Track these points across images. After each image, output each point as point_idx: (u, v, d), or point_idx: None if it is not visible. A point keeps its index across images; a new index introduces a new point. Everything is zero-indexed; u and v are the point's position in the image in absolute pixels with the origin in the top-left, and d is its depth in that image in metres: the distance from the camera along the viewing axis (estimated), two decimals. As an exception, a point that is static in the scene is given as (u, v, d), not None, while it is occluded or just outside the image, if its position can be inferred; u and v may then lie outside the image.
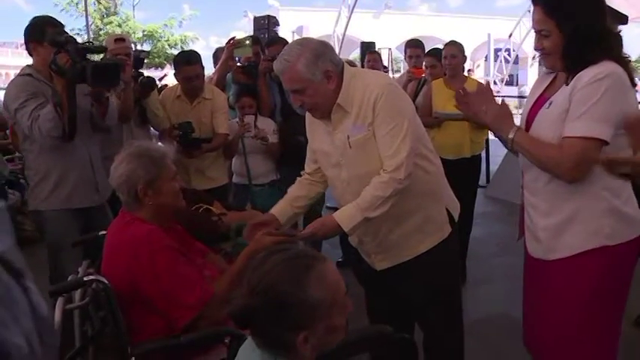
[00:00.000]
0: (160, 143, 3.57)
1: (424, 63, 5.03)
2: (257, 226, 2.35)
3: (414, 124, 2.22)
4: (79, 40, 3.18)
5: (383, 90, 2.16)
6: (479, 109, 2.10)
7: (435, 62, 4.83)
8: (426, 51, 5.13)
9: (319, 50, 2.16)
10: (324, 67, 2.14)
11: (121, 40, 3.84)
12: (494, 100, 2.15)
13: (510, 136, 2.00)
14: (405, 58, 5.54)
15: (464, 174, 4.28)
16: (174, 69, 3.97)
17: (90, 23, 20.83)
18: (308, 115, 2.40)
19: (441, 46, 4.85)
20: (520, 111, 2.35)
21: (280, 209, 2.45)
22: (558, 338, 2.05)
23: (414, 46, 5.41)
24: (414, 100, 4.67)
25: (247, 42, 4.28)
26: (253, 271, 1.38)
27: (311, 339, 1.34)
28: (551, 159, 1.93)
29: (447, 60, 4.43)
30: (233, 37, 4.31)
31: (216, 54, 4.92)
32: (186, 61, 3.86)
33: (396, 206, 2.20)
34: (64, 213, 3.13)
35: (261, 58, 4.37)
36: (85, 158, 3.16)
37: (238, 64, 4.51)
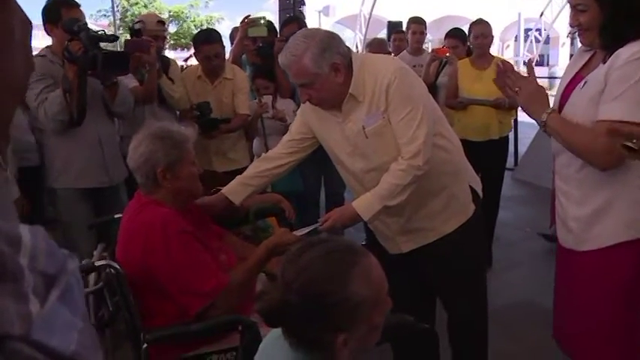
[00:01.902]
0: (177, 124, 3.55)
1: (445, 44, 4.91)
2: (205, 207, 2.36)
3: (428, 106, 2.17)
4: (106, 21, 3.23)
5: (394, 75, 2.10)
6: (512, 88, 1.99)
7: (457, 43, 4.70)
8: (447, 32, 5.01)
9: (326, 43, 2.09)
10: (331, 60, 2.08)
11: (162, 22, 3.91)
12: (530, 79, 2.03)
13: (543, 118, 1.89)
14: (407, 35, 5.46)
15: (491, 156, 4.20)
16: (194, 48, 3.92)
17: (116, 4, 20.89)
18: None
19: (466, 27, 4.73)
20: (552, 92, 2.22)
21: (232, 189, 2.42)
22: (588, 333, 1.96)
23: (416, 22, 5.34)
24: (435, 80, 4.57)
25: (262, 21, 4.19)
26: (289, 265, 1.25)
27: (350, 341, 1.22)
28: (584, 145, 1.81)
29: (479, 39, 4.30)
30: (247, 16, 4.23)
31: (232, 34, 4.86)
32: (206, 40, 3.80)
33: (419, 188, 2.16)
34: (74, 192, 3.16)
35: (278, 38, 4.29)
36: (93, 139, 3.15)
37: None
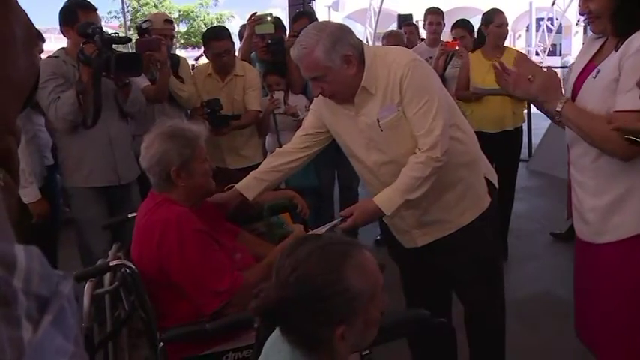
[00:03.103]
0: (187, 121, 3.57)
1: (452, 34, 4.86)
2: (219, 205, 2.36)
3: (443, 97, 2.15)
4: (117, 22, 3.27)
5: (408, 67, 2.08)
6: (524, 78, 1.92)
7: (464, 33, 4.68)
8: (454, 23, 4.96)
9: (337, 35, 2.07)
10: (342, 52, 2.06)
11: (169, 21, 3.93)
12: (541, 68, 1.99)
13: (558, 108, 1.83)
14: (424, 26, 5.38)
15: (505, 147, 4.16)
16: (204, 46, 3.93)
17: (127, 5, 20.97)
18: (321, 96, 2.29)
19: (478, 18, 4.68)
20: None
21: (246, 185, 2.40)
22: (609, 326, 1.92)
23: (433, 12, 5.25)
24: (443, 72, 4.54)
25: (269, 18, 4.18)
26: (284, 260, 1.25)
27: (348, 335, 1.22)
28: (603, 136, 1.74)
29: (502, 28, 4.24)
30: (254, 13, 4.23)
31: (241, 32, 4.86)
32: (215, 37, 3.81)
33: (436, 180, 2.14)
34: (86, 191, 3.19)
35: (288, 35, 4.28)
36: (103, 138, 3.17)
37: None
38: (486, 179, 2.34)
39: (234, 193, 2.40)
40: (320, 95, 2.25)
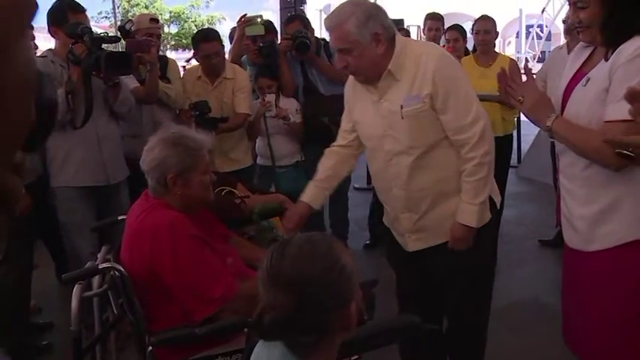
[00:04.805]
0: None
1: (445, 37, 4.88)
2: (293, 218, 2.40)
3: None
4: (107, 22, 3.25)
5: (440, 60, 2.12)
6: (515, 97, 1.98)
7: (458, 36, 4.70)
8: (448, 26, 4.99)
9: (371, 12, 2.09)
10: (374, 30, 2.08)
11: (155, 20, 3.90)
12: (531, 86, 2.00)
13: (548, 124, 1.86)
14: (423, 31, 5.40)
15: (495, 154, 4.15)
16: (194, 48, 3.92)
17: (117, 6, 20.88)
18: (349, 84, 2.34)
19: (469, 24, 4.71)
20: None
21: (312, 195, 2.44)
22: (599, 337, 1.92)
23: (433, 18, 5.28)
24: None
25: (259, 20, 4.17)
26: (278, 265, 1.23)
27: (347, 323, 1.26)
28: (594, 148, 1.75)
29: (481, 35, 4.27)
30: (244, 15, 4.21)
31: (232, 34, 4.84)
32: (204, 38, 3.80)
33: (439, 186, 2.19)
34: (72, 190, 3.14)
35: (282, 37, 4.27)
36: (91, 137, 3.13)
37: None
38: (490, 197, 2.31)
39: (305, 206, 2.44)
40: (348, 85, 2.29)
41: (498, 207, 2.39)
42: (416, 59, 2.12)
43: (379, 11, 2.13)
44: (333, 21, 2.10)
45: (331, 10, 2.26)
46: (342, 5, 2.13)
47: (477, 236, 2.27)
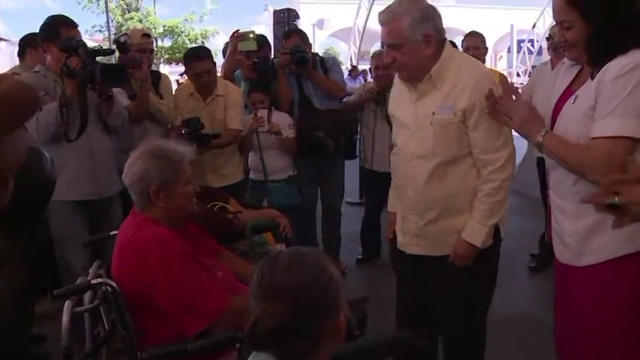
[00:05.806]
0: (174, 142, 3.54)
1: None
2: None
3: None
4: (101, 36, 3.26)
5: (481, 79, 2.16)
6: (504, 117, 2.04)
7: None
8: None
9: (427, 13, 2.12)
10: (426, 30, 2.11)
11: (147, 35, 3.91)
12: (519, 104, 2.04)
13: (539, 139, 1.90)
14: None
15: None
16: (185, 66, 3.93)
17: (111, 19, 20.92)
18: (396, 80, 2.37)
19: (460, 38, 4.73)
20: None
21: (394, 203, 2.49)
22: (592, 351, 1.92)
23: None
24: None
25: (251, 35, 4.19)
26: (269, 277, 1.24)
27: (336, 332, 1.27)
28: (582, 164, 1.78)
29: (470, 51, 4.31)
30: (237, 30, 4.24)
31: (225, 49, 4.86)
32: (196, 57, 3.80)
33: (452, 197, 2.23)
34: (65, 204, 3.09)
35: (280, 52, 4.30)
36: (84, 150, 3.12)
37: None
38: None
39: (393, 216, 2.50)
40: (396, 78, 2.34)
41: (502, 234, 2.38)
42: (459, 71, 2.15)
43: (435, 13, 2.16)
44: (389, 16, 2.13)
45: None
46: (399, 2, 2.14)
47: (479, 257, 2.28)
